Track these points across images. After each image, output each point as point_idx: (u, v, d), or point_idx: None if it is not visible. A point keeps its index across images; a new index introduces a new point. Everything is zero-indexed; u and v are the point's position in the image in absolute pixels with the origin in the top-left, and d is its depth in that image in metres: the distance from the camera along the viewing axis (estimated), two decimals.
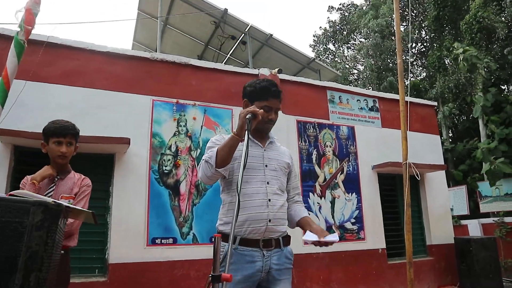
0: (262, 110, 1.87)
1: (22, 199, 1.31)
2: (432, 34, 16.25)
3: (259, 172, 1.95)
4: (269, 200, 1.91)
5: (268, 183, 1.94)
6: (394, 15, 4.91)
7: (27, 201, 1.27)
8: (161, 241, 4.69)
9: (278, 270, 1.89)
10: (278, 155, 2.08)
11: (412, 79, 19.15)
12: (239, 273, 1.78)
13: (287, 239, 2.00)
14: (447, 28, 15.25)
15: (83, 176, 2.46)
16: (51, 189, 2.30)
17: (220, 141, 1.98)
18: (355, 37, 23.06)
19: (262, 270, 1.85)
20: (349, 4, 23.18)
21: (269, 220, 1.88)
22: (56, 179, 2.35)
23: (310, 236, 1.86)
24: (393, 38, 18.14)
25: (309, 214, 6.03)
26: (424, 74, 19.39)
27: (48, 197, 2.23)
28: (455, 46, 12.87)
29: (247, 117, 1.79)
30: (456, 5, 14.26)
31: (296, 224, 2.11)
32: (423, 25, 16.57)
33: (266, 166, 1.99)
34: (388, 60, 19.42)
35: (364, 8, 21.58)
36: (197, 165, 5.20)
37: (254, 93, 2.03)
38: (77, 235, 2.36)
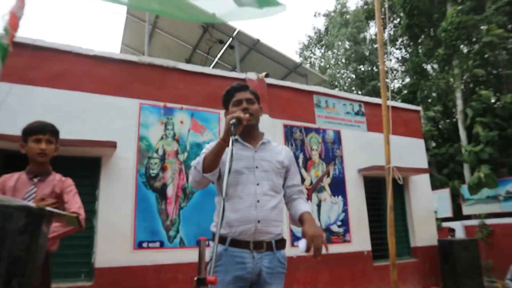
0: (247, 115, 1.87)
1: (4, 203, 1.31)
2: (407, 41, 16.56)
3: (249, 174, 1.95)
4: (258, 201, 1.90)
5: (258, 184, 1.94)
6: (376, 21, 5.01)
7: (10, 206, 1.27)
8: (148, 245, 4.68)
9: (270, 273, 1.88)
10: (271, 156, 2.06)
11: (401, 83, 19.48)
12: (229, 274, 1.80)
13: (281, 243, 1.98)
14: (422, 35, 15.55)
15: (63, 177, 2.40)
16: (32, 191, 2.23)
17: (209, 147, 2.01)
18: (337, 45, 23.48)
19: (252, 272, 1.84)
20: (334, 11, 23.50)
21: (258, 221, 1.87)
22: (35, 179, 2.29)
23: (301, 246, 1.77)
24: (373, 44, 18.46)
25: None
26: (408, 79, 19.78)
27: (28, 199, 2.18)
28: (440, 51, 13.12)
29: (231, 122, 1.80)
30: (427, 13, 14.55)
31: (300, 223, 1.99)
32: (398, 32, 16.90)
33: (256, 167, 1.98)
34: (365, 67, 19.74)
35: (335, 15, 21.99)
36: (184, 169, 5.23)
37: (225, 100, 2.13)
38: (58, 239, 2.32)
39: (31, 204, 1.42)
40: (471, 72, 12.52)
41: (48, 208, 1.57)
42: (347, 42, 19.85)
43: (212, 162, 1.85)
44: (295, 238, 5.63)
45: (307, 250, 1.73)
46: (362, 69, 19.93)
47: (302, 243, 1.76)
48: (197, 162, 1.87)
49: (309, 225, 1.85)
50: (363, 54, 19.27)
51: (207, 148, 2.01)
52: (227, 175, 1.66)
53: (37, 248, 1.32)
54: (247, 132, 2.04)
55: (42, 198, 2.15)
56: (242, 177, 1.93)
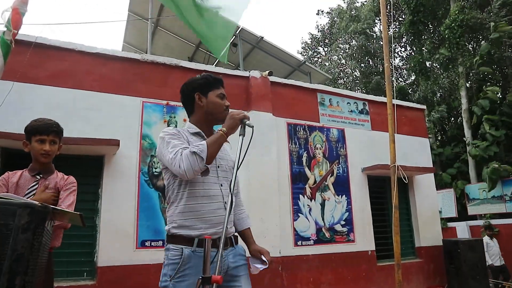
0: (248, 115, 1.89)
1: (8, 201, 1.29)
2: (411, 38, 16.44)
3: (212, 173, 1.89)
4: (225, 202, 1.85)
5: (221, 185, 1.91)
6: (381, 18, 4.96)
7: (13, 203, 1.25)
8: (150, 244, 4.65)
9: (235, 267, 1.88)
10: (226, 155, 2.04)
11: (400, 83, 19.40)
12: (199, 276, 1.70)
13: (236, 237, 2.01)
14: (425, 32, 15.44)
15: (66, 176, 2.39)
16: (33, 188, 2.23)
17: (178, 135, 1.88)
18: (343, 40, 23.39)
19: (221, 270, 1.80)
20: (337, 8, 23.44)
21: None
22: (38, 177, 2.28)
23: (256, 267, 2.00)
24: (380, 41, 18.36)
25: (299, 216, 6.01)
26: (413, 77, 19.70)
27: (29, 196, 2.18)
28: (442, 52, 13.03)
29: (246, 122, 1.80)
30: (431, 9, 14.43)
31: (238, 233, 2.10)
32: (402, 30, 16.82)
33: (218, 167, 1.94)
34: (371, 63, 19.67)
35: (344, 11, 21.88)
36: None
37: (207, 84, 2.00)
38: (62, 235, 2.31)
39: (35, 202, 1.39)
40: (476, 70, 12.42)
41: (51, 206, 1.55)
42: (354, 39, 19.68)
43: (215, 154, 1.80)
44: (298, 238, 5.59)
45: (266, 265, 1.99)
46: (370, 63, 19.82)
47: (258, 264, 1.99)
48: (201, 150, 1.73)
49: (257, 244, 2.06)
50: (370, 50, 19.17)
51: (172, 135, 1.86)
52: (235, 172, 1.63)
53: (40, 246, 1.30)
54: (210, 130, 2.03)
55: (45, 187, 2.15)
56: (207, 176, 1.86)
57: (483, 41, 12.78)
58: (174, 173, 1.79)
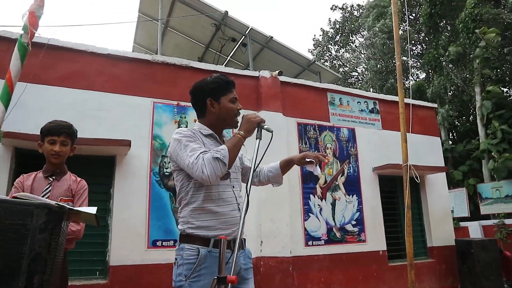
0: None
1: (26, 201, 1.31)
2: (427, 32, 16.15)
3: (226, 176, 1.88)
4: (239, 204, 1.88)
5: (233, 186, 1.91)
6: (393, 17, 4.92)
7: (31, 203, 1.27)
8: (162, 243, 4.69)
9: (245, 269, 1.89)
10: None
11: (415, 80, 19.13)
12: (215, 276, 1.68)
13: (245, 240, 1.98)
14: (442, 25, 15.16)
15: (78, 178, 2.43)
16: (47, 190, 2.27)
17: (194, 137, 1.85)
18: (354, 38, 22.99)
19: (234, 272, 1.82)
20: (351, 6, 23.10)
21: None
22: (51, 179, 2.32)
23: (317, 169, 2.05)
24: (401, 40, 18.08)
25: (310, 216, 5.96)
26: (424, 75, 19.42)
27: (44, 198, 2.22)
28: (450, 50, 12.84)
29: (265, 127, 1.80)
30: (449, 1, 14.16)
31: (281, 167, 2.16)
32: (418, 24, 16.49)
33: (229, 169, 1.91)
34: (389, 61, 19.38)
35: (368, 7, 21.37)
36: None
37: (219, 88, 1.93)
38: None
39: (51, 202, 1.41)
40: (479, 72, 12.25)
41: (67, 206, 1.56)
42: (377, 36, 19.25)
43: (235, 158, 1.81)
44: (309, 238, 5.58)
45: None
46: (386, 62, 19.50)
47: (316, 168, 2.03)
48: (223, 155, 1.72)
49: (297, 155, 2.13)
50: (391, 48, 18.88)
51: (189, 138, 1.83)
52: (251, 175, 1.63)
53: (57, 246, 1.32)
54: (220, 132, 2.00)
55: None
56: (221, 179, 1.85)
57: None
58: (194, 177, 1.77)
